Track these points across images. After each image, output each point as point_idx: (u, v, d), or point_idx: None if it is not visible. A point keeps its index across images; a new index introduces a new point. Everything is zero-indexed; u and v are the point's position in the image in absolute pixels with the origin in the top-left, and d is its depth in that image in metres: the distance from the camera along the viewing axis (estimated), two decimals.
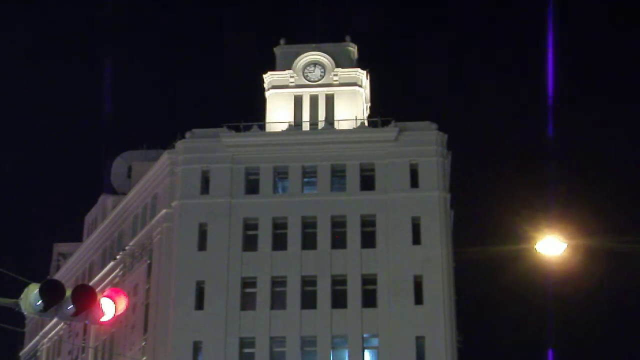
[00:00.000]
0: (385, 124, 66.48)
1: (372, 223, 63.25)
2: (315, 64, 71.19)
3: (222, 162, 65.54)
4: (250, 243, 63.72)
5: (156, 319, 63.80)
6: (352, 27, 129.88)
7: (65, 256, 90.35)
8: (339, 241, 63.07)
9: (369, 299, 61.39)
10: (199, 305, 62.05)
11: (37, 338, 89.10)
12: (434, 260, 61.53)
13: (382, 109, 71.90)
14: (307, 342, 60.91)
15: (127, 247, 70.82)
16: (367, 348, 60.99)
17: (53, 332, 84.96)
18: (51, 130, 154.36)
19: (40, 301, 15.95)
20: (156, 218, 67.27)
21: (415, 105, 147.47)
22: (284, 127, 67.76)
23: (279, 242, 63.51)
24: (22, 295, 16.44)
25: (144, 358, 63.91)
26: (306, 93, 70.43)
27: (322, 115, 69.38)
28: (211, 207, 64.19)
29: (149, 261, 67.20)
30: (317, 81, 70.71)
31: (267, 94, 71.00)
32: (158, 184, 68.75)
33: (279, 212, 64.06)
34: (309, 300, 61.74)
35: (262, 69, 72.15)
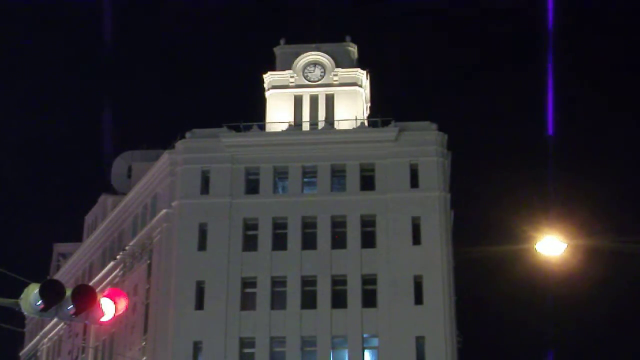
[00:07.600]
0: (385, 124, 66.44)
1: (372, 223, 63.22)
2: (315, 64, 71.17)
3: (222, 162, 65.53)
4: (250, 243, 63.70)
5: (156, 319, 63.78)
6: (352, 27, 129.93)
7: (65, 256, 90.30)
8: (339, 241, 63.04)
9: (369, 299, 61.36)
10: (199, 305, 62.03)
11: (37, 338, 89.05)
12: (434, 260, 61.51)
13: (382, 109, 71.87)
14: (307, 342, 60.89)
15: (127, 247, 70.77)
16: (367, 348, 60.96)
17: (53, 332, 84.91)
18: (51, 130, 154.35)
19: (40, 301, 15.95)
20: (156, 218, 67.25)
21: (415, 105, 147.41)
22: (284, 127, 67.74)
23: (279, 242, 63.49)
24: (22, 295, 16.44)
25: (144, 358, 63.89)
26: (306, 93, 70.42)
27: (322, 115, 69.37)
28: (211, 207, 64.18)
29: (149, 261, 67.17)
30: (317, 81, 70.69)
31: (267, 94, 70.99)
32: (158, 184, 68.75)
33: (279, 212, 64.05)
34: (309, 300, 61.72)
35: (262, 69, 72.20)
